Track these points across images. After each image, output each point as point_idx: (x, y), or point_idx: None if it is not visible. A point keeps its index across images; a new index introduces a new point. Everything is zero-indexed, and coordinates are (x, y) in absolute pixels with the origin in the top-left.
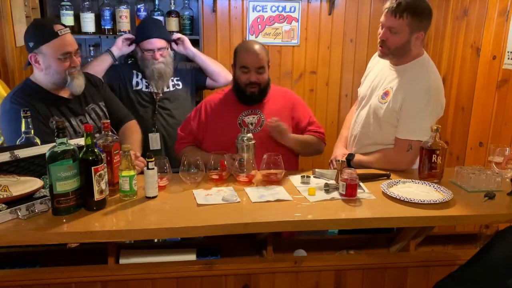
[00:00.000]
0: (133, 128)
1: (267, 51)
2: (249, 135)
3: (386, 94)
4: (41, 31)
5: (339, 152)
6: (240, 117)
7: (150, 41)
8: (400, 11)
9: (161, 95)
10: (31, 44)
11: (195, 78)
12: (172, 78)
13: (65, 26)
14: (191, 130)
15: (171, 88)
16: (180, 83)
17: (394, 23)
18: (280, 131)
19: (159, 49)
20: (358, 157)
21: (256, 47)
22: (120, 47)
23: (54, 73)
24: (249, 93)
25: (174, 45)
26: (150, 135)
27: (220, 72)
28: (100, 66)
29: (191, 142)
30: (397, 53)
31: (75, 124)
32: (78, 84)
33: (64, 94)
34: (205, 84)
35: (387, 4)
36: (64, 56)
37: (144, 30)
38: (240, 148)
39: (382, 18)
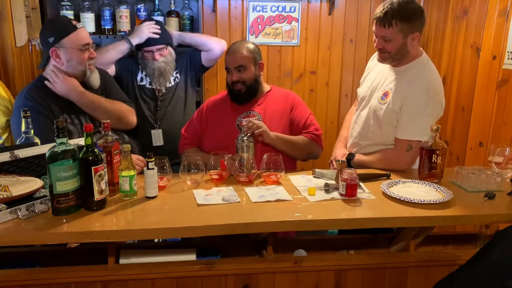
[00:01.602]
0: (121, 103)
1: (254, 49)
2: (249, 135)
3: (385, 95)
4: (61, 26)
5: (339, 152)
6: (238, 119)
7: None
8: (389, 20)
9: (164, 90)
10: (51, 40)
11: (191, 60)
12: (173, 72)
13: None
14: (195, 130)
15: (172, 83)
16: (178, 75)
17: (385, 32)
18: (260, 132)
19: (158, 49)
20: (358, 157)
21: (236, 47)
22: (141, 38)
23: (76, 65)
24: (236, 91)
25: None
26: (152, 131)
27: (210, 41)
28: (113, 54)
29: (194, 142)
30: (396, 57)
31: (84, 122)
32: (96, 77)
33: None
34: (202, 61)
35: (376, 13)
36: (84, 47)
37: None
38: (240, 148)
39: (374, 28)
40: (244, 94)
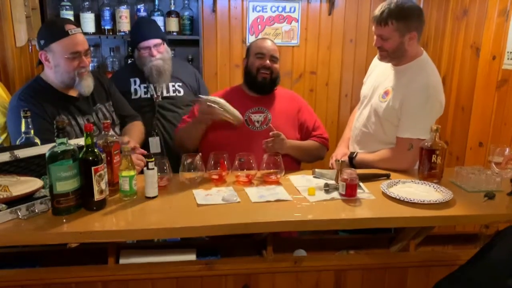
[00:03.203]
0: (136, 125)
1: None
2: (210, 97)
3: (386, 93)
4: (52, 30)
5: (340, 151)
6: (247, 114)
7: (146, 41)
8: (384, 20)
9: (160, 99)
10: (42, 42)
11: (200, 86)
12: (173, 83)
13: (78, 26)
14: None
15: (171, 93)
16: (181, 90)
17: (382, 31)
18: (280, 141)
19: (155, 45)
20: (360, 156)
21: (271, 40)
22: None
23: (63, 72)
24: (260, 78)
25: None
26: (150, 139)
27: None
28: None
29: None
30: (394, 55)
31: (81, 123)
32: (86, 85)
33: (73, 93)
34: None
35: (374, 13)
36: (73, 55)
37: (138, 32)
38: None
39: (373, 28)
40: (268, 82)
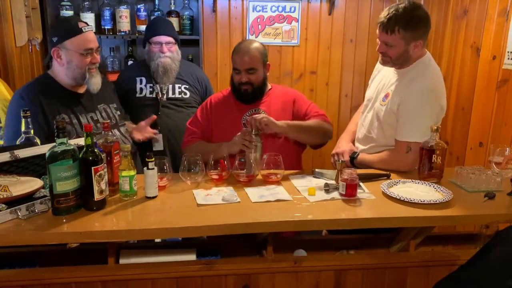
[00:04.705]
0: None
1: (263, 50)
2: (255, 133)
3: (386, 96)
4: (66, 27)
5: (347, 147)
6: (244, 117)
7: (159, 36)
8: (391, 27)
9: (164, 99)
10: (54, 39)
11: (207, 92)
12: (180, 85)
13: (88, 24)
14: (201, 125)
15: (177, 95)
16: (187, 92)
17: (387, 38)
18: (266, 123)
19: (167, 43)
20: (362, 156)
21: (247, 48)
22: None
23: (75, 68)
24: (243, 90)
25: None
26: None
27: None
28: None
29: (200, 137)
30: (397, 62)
31: (84, 121)
32: (95, 82)
33: (80, 90)
34: None
35: (380, 17)
36: (86, 51)
37: (153, 27)
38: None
39: (377, 32)
40: (251, 94)
